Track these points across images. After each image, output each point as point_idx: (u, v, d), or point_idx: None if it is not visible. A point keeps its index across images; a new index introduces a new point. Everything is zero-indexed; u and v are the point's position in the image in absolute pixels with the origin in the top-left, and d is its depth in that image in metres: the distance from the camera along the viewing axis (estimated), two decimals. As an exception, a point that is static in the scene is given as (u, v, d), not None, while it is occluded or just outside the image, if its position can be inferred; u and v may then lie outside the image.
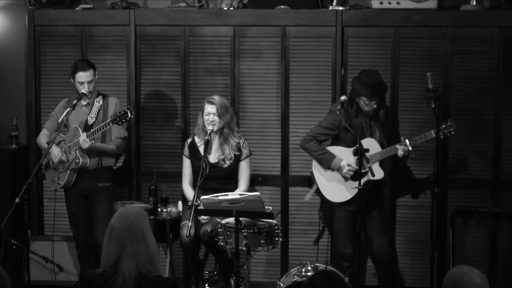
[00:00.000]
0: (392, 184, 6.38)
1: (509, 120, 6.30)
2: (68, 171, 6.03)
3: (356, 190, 5.77)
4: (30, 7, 6.68)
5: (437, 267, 6.03)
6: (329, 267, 5.55)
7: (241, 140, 6.06)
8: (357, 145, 5.63)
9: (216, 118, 5.95)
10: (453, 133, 5.83)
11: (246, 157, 6.05)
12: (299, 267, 5.52)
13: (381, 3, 6.36)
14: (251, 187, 6.24)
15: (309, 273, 5.39)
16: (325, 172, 5.97)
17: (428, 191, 6.17)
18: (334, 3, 6.47)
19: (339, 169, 5.88)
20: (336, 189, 5.94)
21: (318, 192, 6.11)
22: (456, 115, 6.32)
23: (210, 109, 5.96)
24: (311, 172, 6.08)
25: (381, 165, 5.89)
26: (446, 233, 6.32)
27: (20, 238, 6.39)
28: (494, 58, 6.27)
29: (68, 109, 6.03)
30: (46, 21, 6.67)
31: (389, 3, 6.35)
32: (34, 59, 6.71)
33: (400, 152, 5.78)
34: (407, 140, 5.77)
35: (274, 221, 5.47)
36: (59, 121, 6.13)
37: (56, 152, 6.03)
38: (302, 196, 6.47)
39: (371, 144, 5.81)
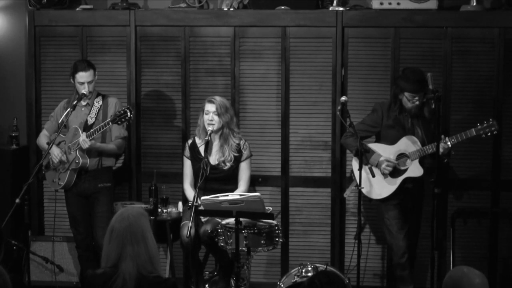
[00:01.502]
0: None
1: (510, 120, 6.30)
2: (68, 171, 6.03)
3: (395, 187, 5.81)
4: (30, 7, 6.68)
5: (437, 268, 6.03)
6: (329, 268, 5.55)
7: (241, 141, 6.06)
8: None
9: (216, 117, 5.94)
10: (495, 132, 5.76)
11: (246, 158, 6.05)
12: (299, 267, 5.52)
13: (382, 3, 6.36)
14: (251, 187, 6.24)
15: (309, 274, 5.39)
16: (365, 168, 5.92)
17: (429, 191, 6.16)
18: (334, 4, 6.47)
19: (377, 165, 5.83)
20: (375, 185, 5.90)
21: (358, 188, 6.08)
22: (456, 115, 6.33)
23: (209, 108, 5.96)
24: (351, 169, 6.07)
25: (422, 163, 5.85)
26: (446, 233, 6.32)
27: (20, 238, 6.40)
28: (495, 59, 6.27)
29: (68, 109, 6.04)
30: (46, 22, 6.67)
31: (390, 3, 6.35)
32: (34, 60, 6.71)
33: (440, 150, 5.75)
34: (447, 138, 5.75)
35: (274, 222, 5.47)
36: (59, 121, 6.13)
37: (56, 153, 6.03)
38: (302, 196, 6.48)
39: (411, 142, 5.81)
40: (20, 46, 6.98)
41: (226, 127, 5.98)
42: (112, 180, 6.21)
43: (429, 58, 6.33)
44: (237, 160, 6.02)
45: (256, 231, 5.37)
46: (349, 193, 6.18)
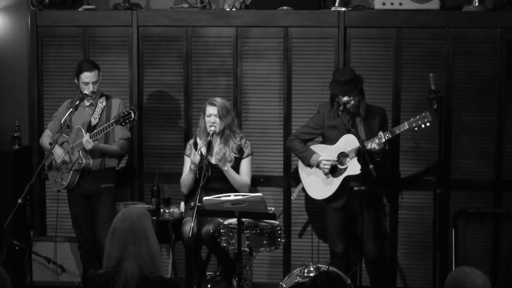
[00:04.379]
0: (393, 185, 6.39)
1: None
2: (71, 171, 6.03)
3: (335, 187, 5.85)
4: (32, 8, 6.69)
5: (439, 268, 6.02)
6: (332, 268, 5.54)
7: (242, 140, 6.06)
8: (358, 146, 5.66)
9: (217, 120, 5.95)
10: (428, 124, 5.66)
11: (246, 156, 6.06)
12: (301, 267, 5.52)
13: (384, 4, 6.36)
14: (253, 187, 6.24)
15: (311, 274, 5.39)
16: (309, 170, 6.00)
17: (430, 192, 6.16)
18: (337, 4, 6.47)
19: (317, 165, 5.92)
20: (318, 186, 5.96)
21: (304, 190, 6.13)
22: (458, 116, 6.32)
23: (211, 111, 5.97)
24: (297, 171, 6.11)
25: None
26: (448, 234, 6.32)
27: (22, 239, 6.39)
28: (497, 59, 6.27)
29: (71, 109, 6.04)
30: (48, 22, 6.68)
31: (392, 4, 6.35)
32: (37, 60, 6.72)
33: (374, 146, 5.69)
34: (381, 133, 5.73)
35: (276, 222, 5.47)
36: (62, 121, 6.13)
37: (59, 153, 6.04)
38: (304, 196, 6.47)
39: (350, 140, 5.82)
40: (22, 46, 6.99)
41: (228, 129, 5.99)
42: (114, 180, 6.21)
43: (431, 58, 6.32)
44: (238, 161, 6.02)
45: (258, 231, 5.37)
46: (296, 195, 6.25)
